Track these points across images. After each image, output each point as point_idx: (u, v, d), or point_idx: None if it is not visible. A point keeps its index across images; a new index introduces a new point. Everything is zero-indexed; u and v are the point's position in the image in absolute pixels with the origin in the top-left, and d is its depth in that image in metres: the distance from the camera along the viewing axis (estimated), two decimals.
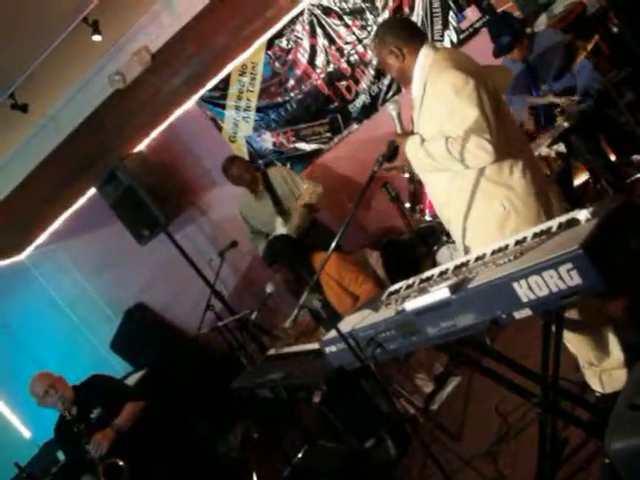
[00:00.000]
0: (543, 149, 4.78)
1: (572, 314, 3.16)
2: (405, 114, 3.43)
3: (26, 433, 7.80)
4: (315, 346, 4.17)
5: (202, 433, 6.53)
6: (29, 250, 8.04)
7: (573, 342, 3.30)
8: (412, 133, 3.37)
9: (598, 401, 3.30)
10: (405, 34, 3.34)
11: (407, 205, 5.63)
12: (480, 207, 3.26)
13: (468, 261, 2.94)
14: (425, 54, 3.28)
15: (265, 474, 5.31)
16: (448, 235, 5.38)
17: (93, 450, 4.74)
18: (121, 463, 4.75)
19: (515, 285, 2.39)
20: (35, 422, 7.57)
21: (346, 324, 3.18)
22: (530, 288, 2.36)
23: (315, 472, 4.85)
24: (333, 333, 3.10)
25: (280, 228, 6.06)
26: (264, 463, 5.48)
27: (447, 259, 5.32)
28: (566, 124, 4.71)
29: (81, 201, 7.64)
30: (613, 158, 5.24)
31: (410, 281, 3.23)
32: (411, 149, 3.27)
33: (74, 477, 5.11)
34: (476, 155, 3.05)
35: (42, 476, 5.92)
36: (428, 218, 5.49)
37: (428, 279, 3.09)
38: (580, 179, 5.23)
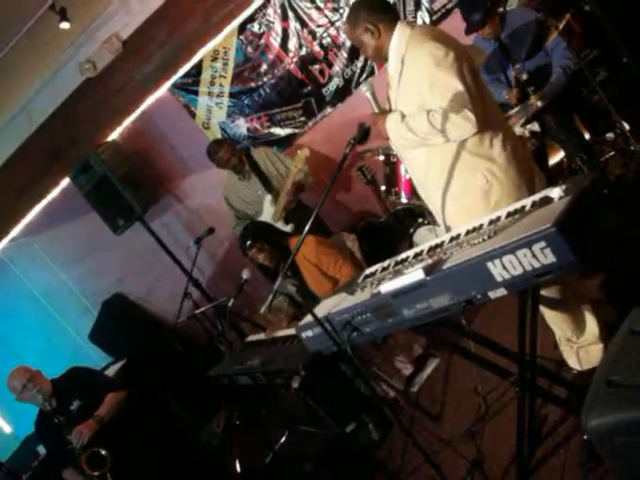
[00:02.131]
0: (517, 128, 4.77)
1: (549, 291, 3.17)
2: (380, 94, 3.41)
3: (6, 428, 7.76)
4: (293, 331, 4.16)
5: (184, 421, 6.52)
6: (4, 243, 7.92)
7: (550, 318, 3.31)
8: (390, 111, 3.35)
9: (576, 378, 3.31)
10: (380, 11, 3.32)
11: (383, 188, 5.62)
12: (462, 180, 3.25)
13: (442, 242, 2.93)
14: (401, 31, 3.26)
15: (248, 461, 5.30)
16: (424, 216, 5.40)
17: (75, 440, 4.72)
18: (103, 452, 4.73)
19: (489, 265, 2.38)
20: (15, 417, 7.53)
21: (322, 308, 3.17)
22: (504, 267, 2.36)
23: (297, 457, 4.85)
24: (309, 318, 3.08)
25: (269, 206, 6.05)
26: (246, 450, 5.48)
27: (424, 240, 5.30)
28: (539, 103, 4.71)
29: (55, 192, 7.52)
30: (587, 137, 5.24)
31: (385, 264, 3.23)
32: (392, 126, 3.27)
33: (55, 471, 5.08)
34: (459, 126, 3.05)
35: (23, 471, 5.89)
36: (404, 200, 5.48)
37: (403, 261, 3.08)
38: (555, 158, 5.22)
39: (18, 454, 6.46)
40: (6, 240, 7.92)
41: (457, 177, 3.24)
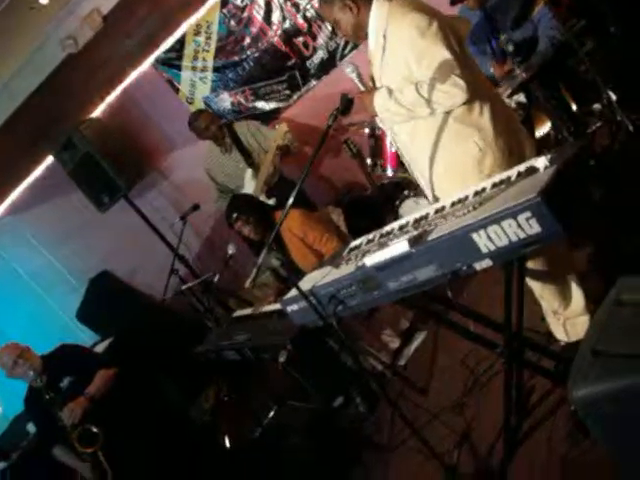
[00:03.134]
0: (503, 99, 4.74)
1: (535, 263, 3.15)
2: (363, 72, 3.36)
3: None
4: (279, 306, 4.14)
5: (173, 398, 6.51)
6: None
7: (537, 290, 3.30)
8: (375, 88, 3.30)
9: (563, 350, 3.30)
10: None
11: (368, 161, 5.58)
12: (453, 151, 3.19)
13: (428, 214, 2.91)
14: (379, 4, 3.19)
15: (236, 436, 5.30)
16: (410, 189, 5.37)
17: (66, 418, 4.71)
18: (95, 430, 4.72)
19: (474, 236, 2.36)
20: (4, 397, 7.50)
21: (307, 282, 3.14)
22: (490, 238, 2.34)
23: (286, 432, 4.86)
24: (294, 292, 3.06)
25: (250, 180, 6.01)
26: (235, 425, 5.48)
27: (410, 213, 5.27)
28: (525, 74, 4.67)
29: (39, 170, 7.48)
30: (574, 108, 5.20)
31: (370, 236, 3.20)
32: (380, 103, 3.21)
33: (45, 449, 5.08)
34: (450, 94, 3.00)
35: (12, 450, 5.88)
36: (389, 173, 5.45)
37: (388, 233, 3.06)
38: (542, 130, 5.19)
39: (7, 434, 6.46)
40: None
41: (447, 148, 3.19)
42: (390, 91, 3.18)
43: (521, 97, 4.95)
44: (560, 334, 3.34)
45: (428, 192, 3.43)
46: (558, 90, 5.14)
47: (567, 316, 3.27)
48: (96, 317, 7.42)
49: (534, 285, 3.26)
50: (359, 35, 3.33)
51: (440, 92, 3.01)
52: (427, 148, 3.23)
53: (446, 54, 2.99)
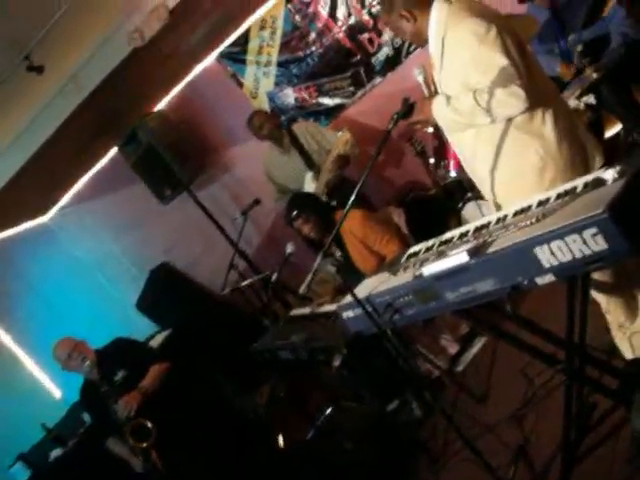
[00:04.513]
0: (572, 101, 4.61)
1: (601, 275, 3.04)
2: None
3: (56, 393, 7.87)
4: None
5: (227, 395, 6.52)
6: (53, 211, 8.04)
7: (602, 303, 3.19)
8: (436, 93, 3.24)
9: (627, 365, 3.18)
10: None
11: (431, 160, 5.50)
12: (514, 160, 3.12)
13: (489, 223, 2.82)
14: (438, 8, 3.13)
15: (290, 434, 5.28)
16: (474, 191, 5.26)
17: (120, 411, 4.75)
18: (149, 424, 4.75)
19: (537, 250, 2.28)
20: (65, 382, 7.63)
21: (364, 289, 3.10)
22: (552, 253, 2.25)
23: (339, 434, 4.81)
24: (350, 298, 3.01)
25: (310, 183, 5.98)
26: (289, 423, 5.46)
27: (473, 215, 5.19)
28: (595, 75, 4.53)
29: (103, 161, 7.60)
30: None
31: (430, 243, 3.13)
32: (437, 111, 3.17)
33: (100, 440, 5.13)
34: (508, 103, 2.93)
35: (69, 437, 5.97)
36: (453, 174, 5.36)
37: (448, 241, 2.98)
38: (611, 131, 5.04)
39: (66, 420, 6.55)
40: (55, 209, 8.01)
41: (508, 157, 3.12)
42: (448, 98, 3.12)
43: (590, 98, 4.80)
44: (625, 349, 3.22)
45: (490, 201, 3.34)
46: (629, 91, 4.98)
47: (633, 330, 3.15)
48: (156, 308, 7.48)
49: (599, 297, 3.15)
50: (419, 42, 3.32)
51: (498, 101, 2.94)
52: (488, 157, 3.16)
53: (504, 62, 2.92)
